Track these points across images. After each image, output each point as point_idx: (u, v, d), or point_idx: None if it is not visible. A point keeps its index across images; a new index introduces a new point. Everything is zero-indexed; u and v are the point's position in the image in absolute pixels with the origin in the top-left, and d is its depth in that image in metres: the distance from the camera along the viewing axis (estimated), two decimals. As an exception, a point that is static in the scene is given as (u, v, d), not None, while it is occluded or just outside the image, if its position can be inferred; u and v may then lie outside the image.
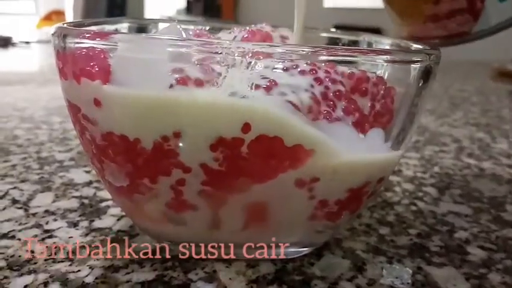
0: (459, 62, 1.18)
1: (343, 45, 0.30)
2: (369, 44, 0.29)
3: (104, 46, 0.18)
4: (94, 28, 0.24)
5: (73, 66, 0.18)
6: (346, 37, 0.30)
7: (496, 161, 0.42)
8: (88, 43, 0.18)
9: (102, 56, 0.17)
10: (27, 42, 1.10)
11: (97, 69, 0.17)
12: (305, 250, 0.23)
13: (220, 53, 0.17)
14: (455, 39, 0.27)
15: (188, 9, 3.32)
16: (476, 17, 0.25)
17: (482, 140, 0.49)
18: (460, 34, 0.27)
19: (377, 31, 1.97)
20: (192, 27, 0.30)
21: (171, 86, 0.17)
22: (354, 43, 0.30)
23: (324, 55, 0.18)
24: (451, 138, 0.49)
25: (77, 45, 0.18)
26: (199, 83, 0.18)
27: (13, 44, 1.06)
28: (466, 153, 0.44)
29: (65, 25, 0.19)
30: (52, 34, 0.19)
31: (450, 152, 0.44)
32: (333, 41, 0.31)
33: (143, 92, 0.17)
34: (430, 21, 0.27)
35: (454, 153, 0.44)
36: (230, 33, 0.28)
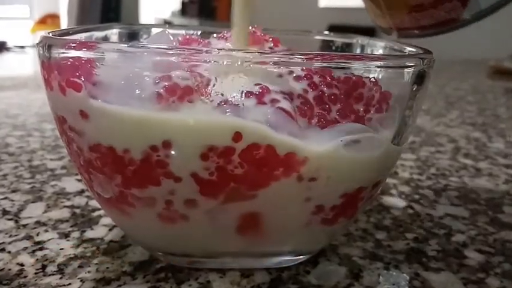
0: (454, 60, 1.18)
1: (336, 48, 0.30)
2: (363, 47, 0.29)
3: (90, 56, 0.17)
4: (82, 36, 0.24)
5: (58, 76, 0.18)
6: (339, 40, 0.30)
7: (492, 160, 0.42)
8: (73, 53, 0.17)
9: (88, 66, 0.17)
10: (21, 47, 1.09)
11: (82, 79, 0.17)
12: (301, 258, 0.23)
13: (209, 62, 0.17)
14: (443, 28, 0.25)
15: (183, 11, 3.30)
16: (464, 2, 0.23)
17: (478, 140, 0.49)
18: (448, 21, 0.25)
19: (372, 30, 1.97)
20: (183, 32, 0.29)
21: (159, 94, 0.17)
22: (348, 46, 0.30)
23: (318, 62, 0.18)
24: (447, 139, 0.49)
25: (62, 55, 0.17)
26: (187, 90, 0.17)
27: (7, 49, 1.05)
28: (462, 153, 0.44)
29: (50, 34, 0.19)
30: (37, 44, 0.18)
31: (446, 152, 0.44)
32: (327, 44, 0.30)
33: (131, 111, 0.17)
34: (415, 12, 0.25)
35: (450, 154, 0.44)
36: (221, 37, 0.27)
